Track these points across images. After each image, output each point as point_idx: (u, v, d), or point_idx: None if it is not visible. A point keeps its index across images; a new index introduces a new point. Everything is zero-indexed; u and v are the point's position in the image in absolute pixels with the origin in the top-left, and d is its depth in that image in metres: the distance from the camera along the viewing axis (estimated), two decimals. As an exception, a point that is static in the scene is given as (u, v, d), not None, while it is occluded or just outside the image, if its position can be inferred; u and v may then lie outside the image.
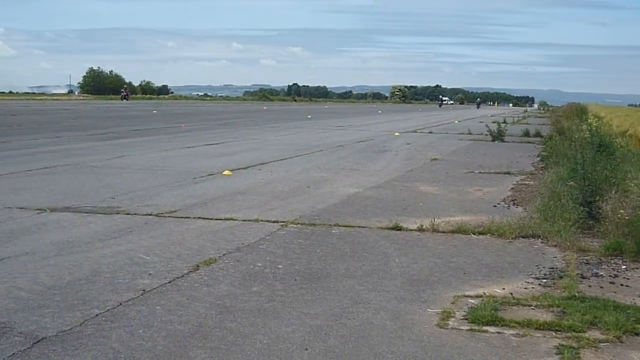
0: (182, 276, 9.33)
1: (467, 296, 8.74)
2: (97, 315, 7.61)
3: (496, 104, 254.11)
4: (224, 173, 20.07)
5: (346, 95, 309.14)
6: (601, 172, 14.95)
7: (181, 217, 13.44)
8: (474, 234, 12.47)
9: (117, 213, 13.79)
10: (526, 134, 41.77)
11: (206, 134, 37.08)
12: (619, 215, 11.91)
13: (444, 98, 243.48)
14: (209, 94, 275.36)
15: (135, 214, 13.74)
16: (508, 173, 22.11)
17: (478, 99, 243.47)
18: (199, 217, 13.46)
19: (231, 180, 18.78)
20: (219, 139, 33.73)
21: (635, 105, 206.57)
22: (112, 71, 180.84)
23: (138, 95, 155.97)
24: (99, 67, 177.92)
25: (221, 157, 25.01)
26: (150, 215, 13.62)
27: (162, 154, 25.65)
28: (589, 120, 40.08)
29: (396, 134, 42.30)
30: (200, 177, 19.16)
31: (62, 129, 38.52)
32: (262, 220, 13.29)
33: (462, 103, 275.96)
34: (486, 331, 7.44)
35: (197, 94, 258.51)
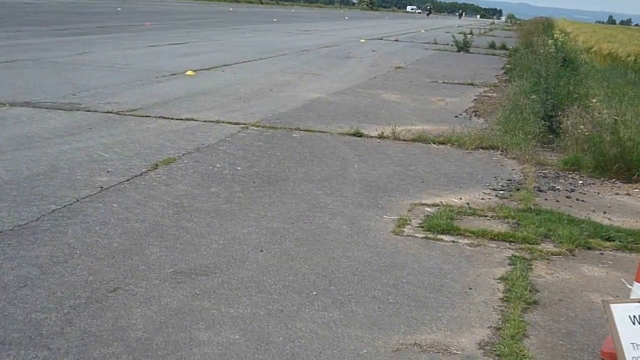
0: (141, 175, 9.31)
1: (423, 204, 8.80)
2: (53, 211, 7.58)
3: (463, 14, 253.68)
4: (186, 73, 19.92)
5: (314, 0, 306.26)
6: (564, 86, 15.01)
7: (142, 116, 13.36)
8: (434, 143, 12.51)
9: (78, 110, 13.67)
10: (492, 46, 41.75)
11: (171, 34, 36.64)
12: (579, 131, 11.98)
13: (412, 7, 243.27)
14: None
15: (96, 111, 13.63)
16: (471, 84, 22.11)
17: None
18: (159, 117, 13.39)
19: (194, 81, 18.66)
20: (184, 39, 33.37)
21: (602, 22, 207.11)
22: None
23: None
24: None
25: (185, 57, 24.78)
26: (111, 113, 13.51)
27: (125, 52, 25.37)
28: (555, 35, 40.09)
29: (362, 40, 42.06)
30: (162, 77, 19.01)
31: (23, 23, 37.86)
32: (223, 122, 13.25)
33: (429, 13, 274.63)
34: (441, 239, 7.50)
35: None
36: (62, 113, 13.27)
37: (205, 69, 21.33)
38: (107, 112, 13.52)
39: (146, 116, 13.38)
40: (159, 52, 25.99)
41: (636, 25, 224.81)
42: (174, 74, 19.64)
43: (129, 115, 13.42)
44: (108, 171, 9.36)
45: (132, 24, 43.63)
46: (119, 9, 67.95)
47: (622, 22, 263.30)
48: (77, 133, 11.58)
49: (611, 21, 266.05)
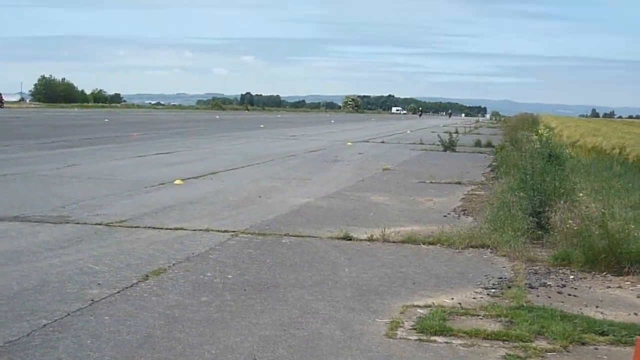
0: (131, 286, 9.29)
1: (415, 306, 8.79)
2: (44, 325, 7.55)
3: (445, 114, 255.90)
4: (175, 182, 20.00)
5: (299, 105, 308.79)
6: (550, 182, 15.08)
7: (131, 227, 13.38)
8: (423, 244, 12.54)
9: (67, 222, 13.69)
10: (478, 144, 42.11)
11: (158, 143, 36.90)
12: (568, 226, 12.03)
13: (397, 108, 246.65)
14: (162, 102, 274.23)
15: (85, 223, 13.65)
16: (459, 183, 22.24)
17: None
18: (149, 227, 13.41)
19: (182, 190, 18.73)
20: (171, 148, 33.59)
21: (586, 116, 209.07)
22: (64, 79, 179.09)
23: (90, 104, 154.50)
24: (50, 75, 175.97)
25: (172, 166, 24.92)
26: (100, 224, 13.54)
27: (113, 163, 25.51)
28: (539, 131, 40.43)
29: (348, 143, 42.36)
30: (151, 187, 19.08)
31: (12, 137, 38.12)
32: (212, 230, 13.27)
33: (414, 113, 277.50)
34: (434, 341, 7.48)
35: (150, 103, 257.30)
36: (51, 226, 13.28)
37: (193, 178, 21.42)
38: (96, 224, 13.53)
39: (136, 227, 13.40)
40: (147, 162, 26.12)
41: (619, 117, 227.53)
42: (162, 184, 19.71)
43: (119, 226, 13.43)
44: (99, 283, 9.35)
45: (119, 134, 43.95)
46: (106, 120, 68.52)
47: (605, 115, 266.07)
48: (66, 246, 11.59)
49: (595, 114, 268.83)
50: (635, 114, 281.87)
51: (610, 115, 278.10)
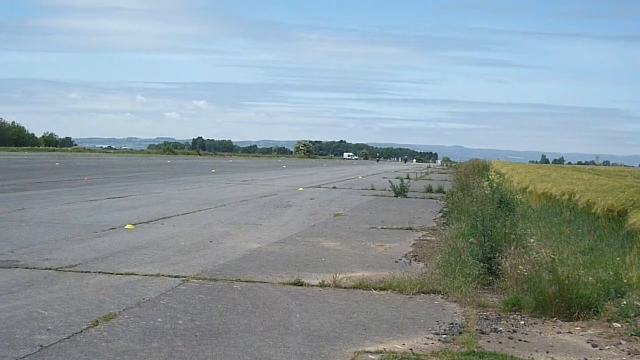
0: (81, 332, 9.21)
1: (367, 352, 8.79)
2: (-8, 372, 7.46)
3: (400, 159, 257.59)
4: (126, 227, 19.89)
5: (251, 150, 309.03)
6: (501, 228, 15.23)
7: (81, 272, 13.28)
8: (375, 290, 12.55)
9: (16, 267, 13.55)
10: (429, 189, 42.31)
11: (109, 187, 36.70)
12: (518, 271, 12.14)
13: (349, 154, 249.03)
14: (113, 146, 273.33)
15: (35, 267, 13.53)
16: (410, 229, 22.33)
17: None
18: (99, 272, 13.31)
19: (133, 234, 18.63)
20: (122, 193, 33.40)
21: (536, 162, 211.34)
22: (14, 122, 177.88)
23: (41, 148, 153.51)
24: (1, 118, 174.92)
25: (124, 210, 24.78)
26: (50, 269, 13.42)
27: (64, 207, 25.31)
28: (490, 177, 40.76)
29: (300, 189, 42.37)
30: (102, 231, 18.96)
31: (-40, 180, 37.74)
32: (163, 275, 13.21)
33: (366, 158, 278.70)
34: (386, 387, 7.48)
35: (101, 147, 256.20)
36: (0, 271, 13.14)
37: (145, 222, 21.33)
38: (46, 269, 13.42)
39: (86, 272, 13.30)
40: (98, 207, 25.95)
41: (569, 163, 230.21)
42: (113, 228, 19.59)
43: (69, 271, 13.33)
44: (48, 329, 9.26)
45: (70, 178, 43.66)
46: (57, 163, 68.07)
47: (555, 161, 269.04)
48: (15, 291, 11.46)
49: (544, 160, 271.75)
50: (584, 160, 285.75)
51: (559, 161, 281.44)
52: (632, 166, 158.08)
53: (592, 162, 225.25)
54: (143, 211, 24.73)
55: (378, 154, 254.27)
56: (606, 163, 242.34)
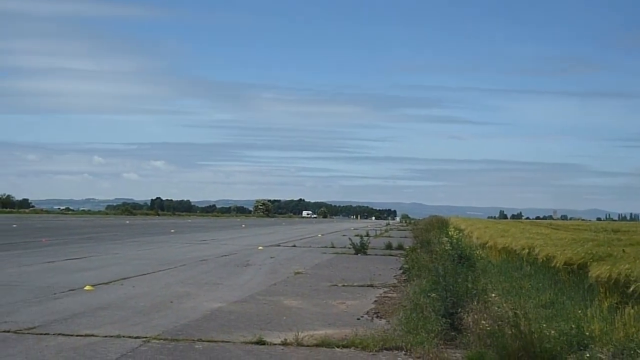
0: (41, 395, 9.11)
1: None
2: None
3: (358, 217, 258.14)
4: (85, 288, 19.74)
5: (210, 209, 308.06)
6: (462, 283, 15.29)
7: (41, 334, 13.15)
8: (337, 347, 12.53)
9: (-27, 331, 13.40)
10: (389, 246, 42.38)
11: (68, 249, 36.44)
12: (481, 326, 12.18)
13: (308, 212, 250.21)
14: (71, 207, 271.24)
15: (-8, 331, 13.38)
16: (371, 286, 22.33)
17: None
18: (59, 334, 13.19)
19: (93, 296, 18.49)
20: (81, 254, 33.17)
21: (495, 217, 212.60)
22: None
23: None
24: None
25: (83, 271, 24.60)
26: (9, 332, 13.28)
27: (21, 269, 25.09)
28: (450, 233, 40.94)
29: (260, 247, 42.29)
30: (61, 293, 18.80)
31: None
32: (124, 336, 13.11)
33: (325, 216, 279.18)
34: None
35: (59, 208, 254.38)
36: (-43, 335, 12.98)
37: (104, 283, 21.18)
38: (4, 332, 13.28)
39: (45, 334, 13.17)
40: (57, 268, 25.75)
41: (527, 218, 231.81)
42: (72, 290, 19.44)
43: (27, 333, 13.19)
44: (6, 394, 9.15)
45: (28, 240, 43.34)
46: (14, 225, 67.53)
47: (513, 216, 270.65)
48: (-27, 355, 11.32)
49: (503, 215, 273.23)
50: (542, 215, 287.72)
51: (517, 216, 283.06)
52: (590, 220, 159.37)
53: (550, 217, 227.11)
54: (102, 272, 24.56)
55: (343, 213, 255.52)
56: (564, 217, 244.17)
